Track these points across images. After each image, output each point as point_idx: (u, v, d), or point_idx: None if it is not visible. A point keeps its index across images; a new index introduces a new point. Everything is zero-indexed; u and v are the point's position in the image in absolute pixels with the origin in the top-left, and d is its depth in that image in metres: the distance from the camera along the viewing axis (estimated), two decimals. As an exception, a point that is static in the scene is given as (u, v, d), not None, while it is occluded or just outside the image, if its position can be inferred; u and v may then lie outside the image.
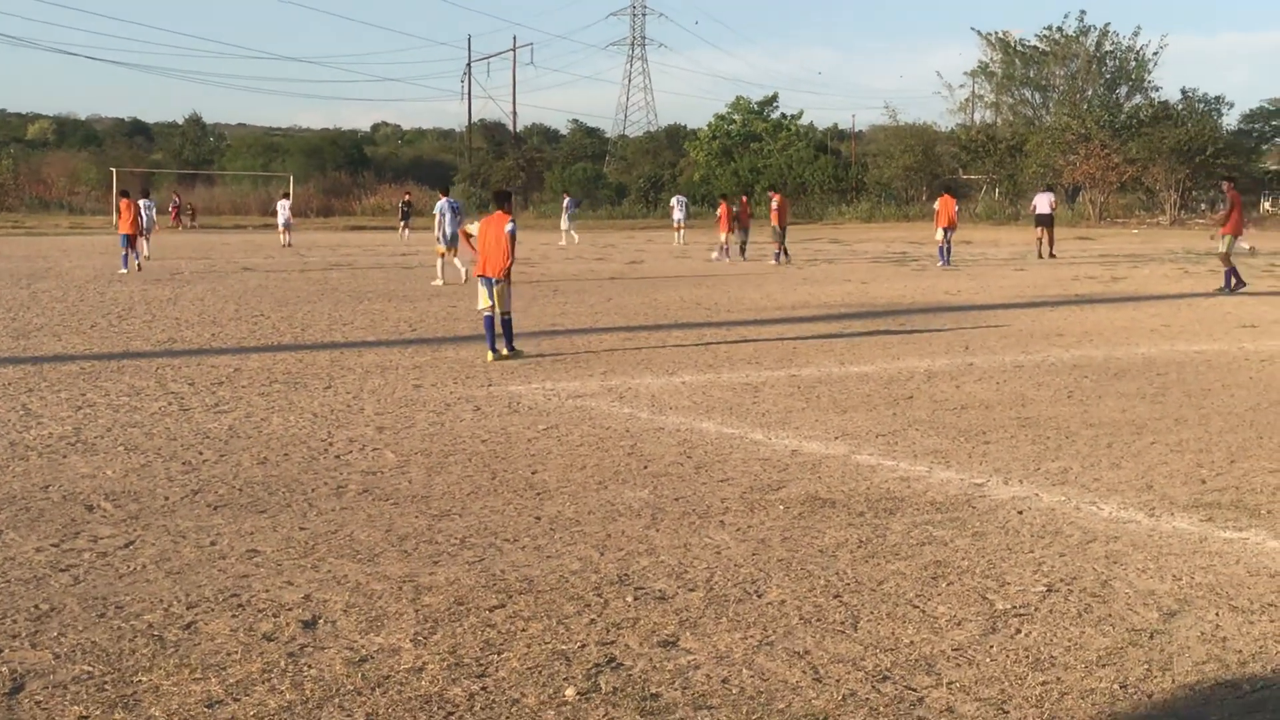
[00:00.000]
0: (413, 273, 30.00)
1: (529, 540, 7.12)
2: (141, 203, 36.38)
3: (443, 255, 26.98)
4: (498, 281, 14.53)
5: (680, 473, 8.86)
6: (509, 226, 14.52)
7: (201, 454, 9.40)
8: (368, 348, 15.43)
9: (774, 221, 35.64)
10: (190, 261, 34.42)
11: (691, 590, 6.23)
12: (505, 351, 14.70)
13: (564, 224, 48.67)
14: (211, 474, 8.75)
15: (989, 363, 14.55)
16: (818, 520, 7.56)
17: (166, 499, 8.03)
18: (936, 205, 36.03)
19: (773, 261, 34.60)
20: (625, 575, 6.47)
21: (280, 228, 45.72)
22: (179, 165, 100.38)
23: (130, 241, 29.98)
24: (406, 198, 56.51)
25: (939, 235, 34.91)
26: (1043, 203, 39.99)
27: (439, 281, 26.47)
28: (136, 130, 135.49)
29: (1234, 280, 24.51)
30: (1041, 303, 22.57)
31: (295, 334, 17.19)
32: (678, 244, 46.34)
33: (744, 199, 38.87)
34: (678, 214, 49.55)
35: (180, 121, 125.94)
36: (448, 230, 26.42)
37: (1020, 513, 7.77)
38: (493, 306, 14.58)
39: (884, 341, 16.63)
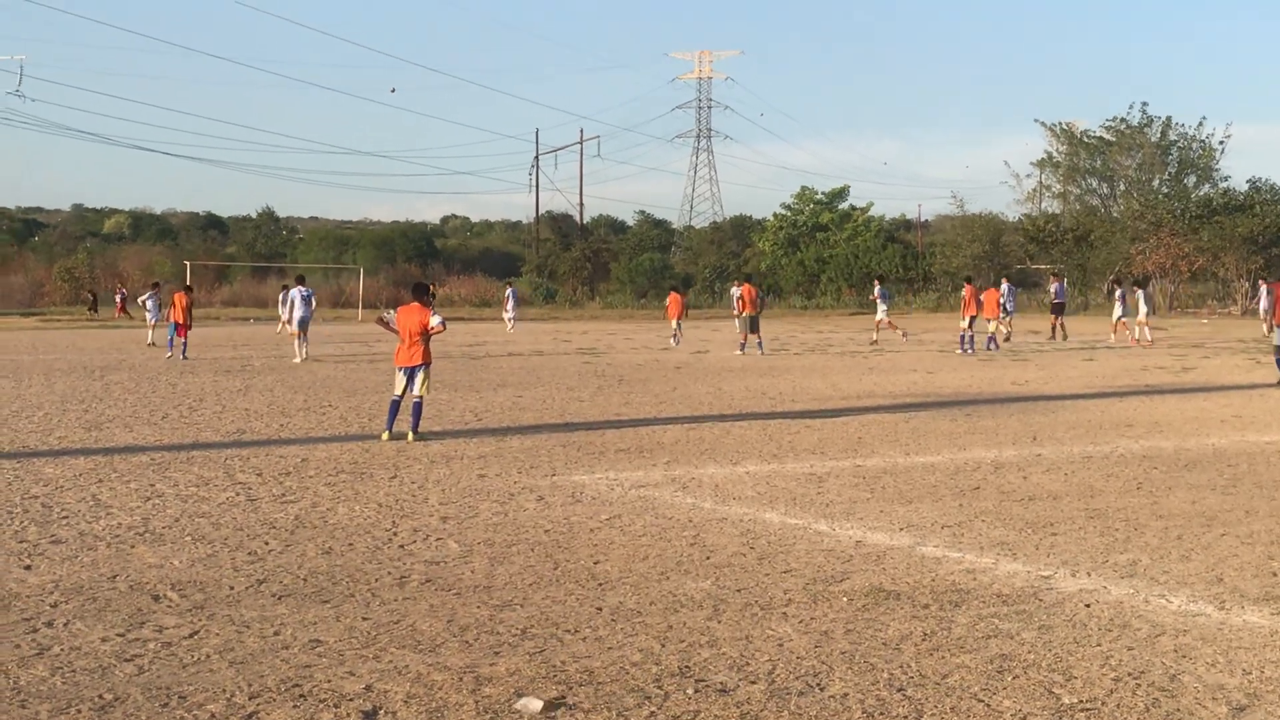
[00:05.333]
0: (479, 362, 30.19)
1: (590, 631, 7.11)
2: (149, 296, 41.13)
3: (295, 336, 30.53)
4: (423, 368, 15.62)
5: (743, 564, 8.83)
6: (435, 319, 15.56)
7: (267, 544, 9.48)
8: (433, 437, 15.52)
9: (741, 310, 34.24)
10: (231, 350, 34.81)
11: (753, 683, 6.19)
12: (411, 436, 15.33)
13: (506, 314, 49.44)
14: (277, 564, 8.82)
15: (1057, 454, 14.41)
16: (882, 612, 7.50)
17: (232, 589, 8.10)
18: (983, 296, 36.29)
19: (737, 352, 33.84)
20: (686, 667, 6.44)
21: (283, 319, 38.51)
22: (252, 258, 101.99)
23: (177, 330, 32.22)
24: (432, 289, 57.33)
25: (991, 326, 35.48)
26: (1056, 290, 41.78)
27: (298, 360, 29.72)
28: (211, 224, 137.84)
29: None
30: (1110, 393, 22.37)
31: (362, 424, 17.32)
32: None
33: (746, 287, 35.85)
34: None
35: (254, 215, 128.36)
36: (295, 315, 30.50)
37: (1088, 605, 7.67)
38: (405, 392, 15.63)
39: (950, 431, 16.53)
